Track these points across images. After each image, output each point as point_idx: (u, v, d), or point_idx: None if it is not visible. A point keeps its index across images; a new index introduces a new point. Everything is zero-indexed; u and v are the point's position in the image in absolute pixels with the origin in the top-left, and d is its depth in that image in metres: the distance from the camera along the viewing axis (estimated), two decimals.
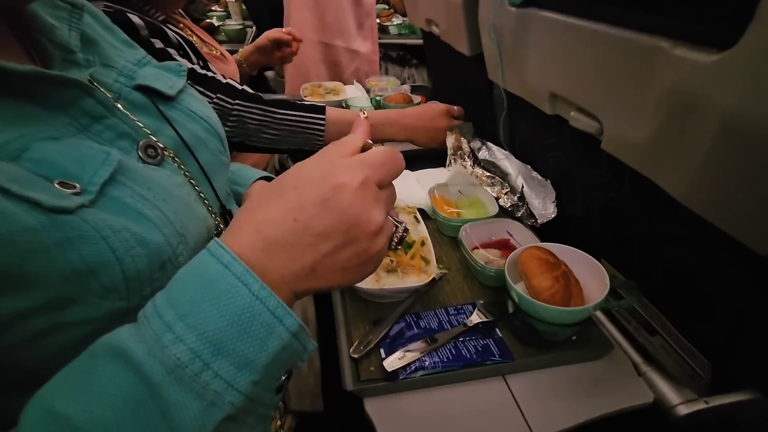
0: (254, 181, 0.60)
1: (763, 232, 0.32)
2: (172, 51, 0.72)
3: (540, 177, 0.74)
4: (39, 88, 0.30)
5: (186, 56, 0.76)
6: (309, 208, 0.26)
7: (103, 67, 0.39)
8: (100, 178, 0.30)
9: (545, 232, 0.68)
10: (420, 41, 1.99)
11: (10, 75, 0.28)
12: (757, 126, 0.30)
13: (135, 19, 0.68)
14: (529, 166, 0.77)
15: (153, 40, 0.70)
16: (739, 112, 0.30)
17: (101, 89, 0.35)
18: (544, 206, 0.71)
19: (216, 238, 0.27)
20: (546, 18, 0.53)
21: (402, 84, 1.36)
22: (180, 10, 0.93)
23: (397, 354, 0.45)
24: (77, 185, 0.28)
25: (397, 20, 2.29)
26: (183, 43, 0.76)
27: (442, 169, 0.85)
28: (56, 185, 0.28)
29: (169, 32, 0.73)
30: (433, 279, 0.54)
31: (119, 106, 0.37)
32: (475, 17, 0.75)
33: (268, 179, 0.62)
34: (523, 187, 0.71)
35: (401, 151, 0.35)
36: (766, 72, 0.28)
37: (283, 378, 0.27)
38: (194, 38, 0.90)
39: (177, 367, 0.22)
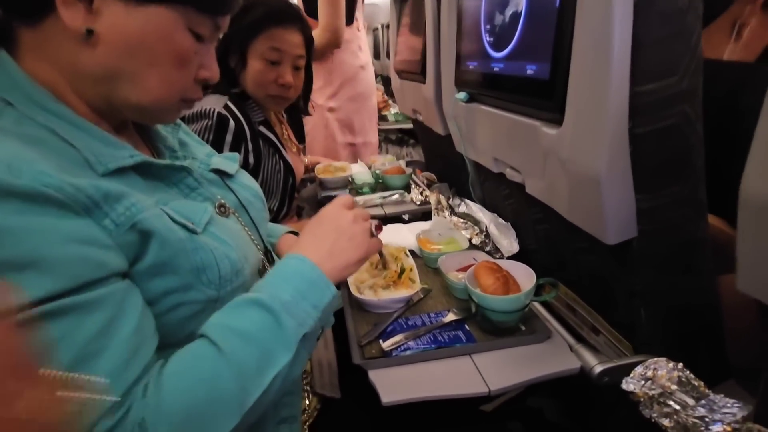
0: (283, 234, 0.82)
1: (599, 229, 0.52)
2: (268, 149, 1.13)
3: (504, 222, 0.95)
4: (166, 172, 0.53)
5: (277, 151, 1.14)
6: (315, 226, 0.55)
7: (191, 159, 0.63)
8: (204, 220, 0.52)
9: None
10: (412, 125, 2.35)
11: (156, 166, 0.51)
12: (575, 167, 0.52)
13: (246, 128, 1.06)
14: (496, 214, 0.99)
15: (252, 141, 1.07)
16: (568, 159, 0.52)
17: (194, 172, 0.59)
18: (510, 244, 0.91)
19: (292, 252, 0.52)
20: (482, 109, 0.79)
21: (399, 160, 1.65)
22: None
23: (391, 340, 0.63)
24: (193, 223, 0.51)
25: (394, 109, 2.69)
26: (276, 141, 1.14)
27: (429, 222, 1.08)
28: (186, 221, 0.50)
29: (268, 134, 1.12)
30: (419, 292, 0.73)
31: (203, 181, 0.60)
32: (442, 108, 1.02)
33: (293, 233, 0.84)
34: (487, 227, 0.92)
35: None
36: (575, 138, 0.51)
37: (320, 332, 0.50)
38: (284, 136, 1.27)
39: (286, 303, 0.45)
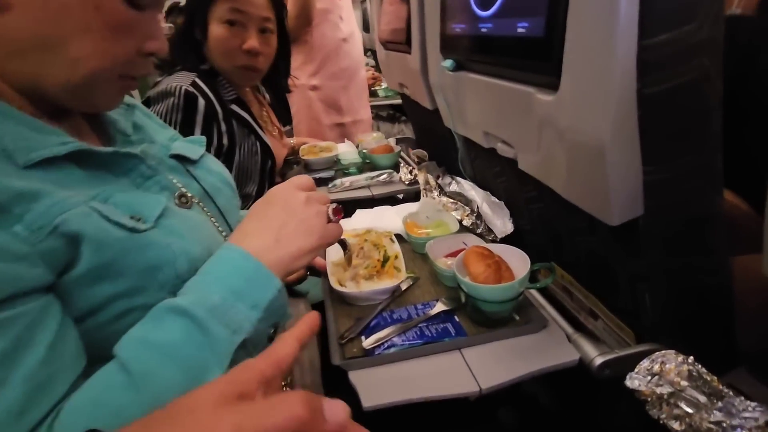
0: None
1: (601, 208, 0.46)
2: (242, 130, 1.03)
3: (497, 200, 0.89)
4: (112, 161, 0.46)
5: (253, 132, 1.04)
6: (261, 208, 0.49)
7: (148, 143, 0.56)
8: (156, 213, 0.45)
9: (505, 244, 0.82)
10: None
11: (97, 154, 0.44)
12: (575, 137, 0.45)
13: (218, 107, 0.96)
14: (488, 192, 0.92)
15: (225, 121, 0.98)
16: (567, 128, 0.46)
17: (149, 159, 0.52)
18: (504, 224, 0.85)
19: (228, 242, 0.44)
20: (471, 78, 0.71)
21: (389, 138, 1.57)
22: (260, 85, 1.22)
23: (374, 337, 0.57)
24: (141, 218, 0.44)
25: (384, 84, 2.58)
26: (251, 120, 1.04)
27: (416, 203, 1.01)
28: (129, 218, 0.43)
29: (241, 113, 1.02)
30: (407, 280, 0.67)
31: (161, 169, 0.53)
32: (429, 80, 0.94)
33: None
34: (478, 208, 0.85)
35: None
36: (575, 104, 0.44)
37: (271, 331, 0.43)
38: (263, 117, 1.17)
39: (214, 308, 0.38)
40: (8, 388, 0.30)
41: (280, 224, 0.46)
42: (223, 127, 0.96)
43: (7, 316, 0.31)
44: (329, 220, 0.49)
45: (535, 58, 0.50)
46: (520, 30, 0.52)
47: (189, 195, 0.53)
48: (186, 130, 0.91)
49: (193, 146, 0.61)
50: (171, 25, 1.10)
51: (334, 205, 0.50)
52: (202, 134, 0.92)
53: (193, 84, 0.93)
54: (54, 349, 0.34)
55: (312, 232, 0.47)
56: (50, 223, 0.35)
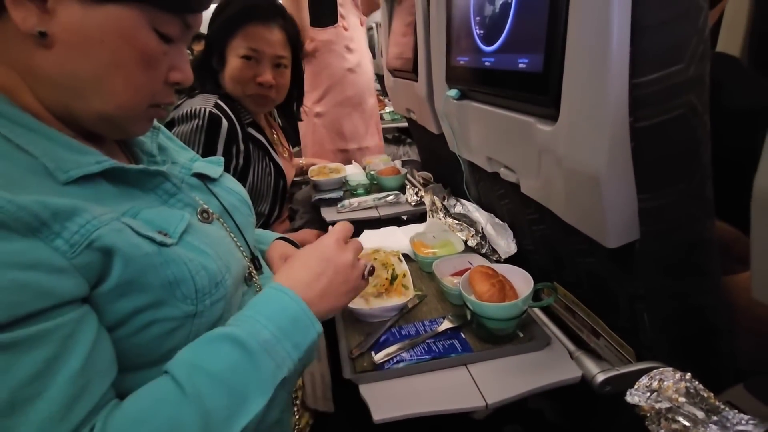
0: (274, 240, 0.79)
1: (598, 231, 0.49)
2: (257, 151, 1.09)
3: (500, 222, 0.92)
4: (141, 178, 0.50)
5: (267, 153, 1.10)
6: (315, 263, 0.52)
7: (171, 163, 0.60)
8: (180, 229, 0.48)
9: (509, 264, 0.84)
10: None
11: (128, 172, 0.48)
12: (572, 166, 0.48)
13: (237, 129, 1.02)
14: (492, 214, 0.95)
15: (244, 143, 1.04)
16: (564, 157, 0.49)
17: (173, 177, 0.56)
18: (508, 245, 0.88)
19: (278, 283, 0.49)
20: (475, 106, 0.76)
21: (395, 160, 1.62)
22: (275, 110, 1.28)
23: (384, 352, 0.60)
24: (167, 233, 0.47)
25: (389, 108, 2.65)
26: (265, 143, 1.10)
27: (423, 224, 1.04)
28: (156, 233, 0.46)
29: (257, 136, 1.08)
30: (414, 298, 0.69)
31: (184, 187, 0.57)
32: (434, 106, 0.99)
33: (285, 239, 0.81)
34: (483, 229, 0.88)
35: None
36: (572, 135, 0.48)
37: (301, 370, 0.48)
38: (274, 137, 1.23)
39: (265, 342, 0.41)
40: (50, 395, 0.33)
41: (328, 281, 0.51)
42: (241, 147, 1.01)
43: (48, 326, 0.34)
44: (362, 277, 0.55)
45: (535, 92, 0.54)
46: (521, 65, 0.56)
47: (210, 211, 0.57)
48: (208, 151, 0.96)
49: (213, 166, 0.65)
50: (187, 51, 1.15)
51: (369, 266, 0.56)
52: (223, 154, 0.97)
53: (216, 106, 0.98)
54: (91, 357, 0.36)
55: (350, 292, 0.53)
56: (87, 237, 0.38)
